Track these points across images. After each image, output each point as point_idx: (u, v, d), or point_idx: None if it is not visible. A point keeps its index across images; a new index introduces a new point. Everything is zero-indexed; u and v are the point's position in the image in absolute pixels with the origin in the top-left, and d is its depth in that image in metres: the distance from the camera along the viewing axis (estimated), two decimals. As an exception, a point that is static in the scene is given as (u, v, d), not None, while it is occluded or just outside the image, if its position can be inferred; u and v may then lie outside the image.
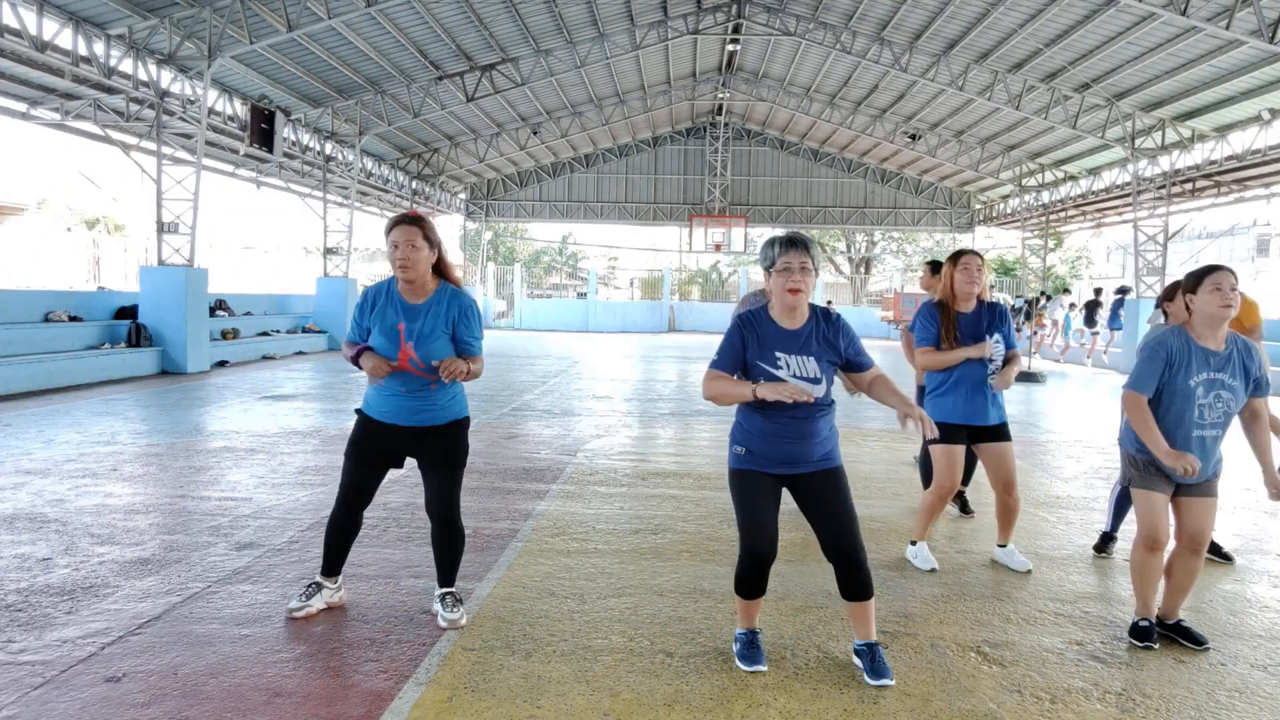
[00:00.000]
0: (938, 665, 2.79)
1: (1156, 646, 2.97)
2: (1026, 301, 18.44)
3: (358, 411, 3.04)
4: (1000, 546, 3.96)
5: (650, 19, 17.14)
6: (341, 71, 15.24)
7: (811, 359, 2.57)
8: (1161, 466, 2.92)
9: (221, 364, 12.80)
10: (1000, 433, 3.78)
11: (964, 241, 29.29)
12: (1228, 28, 11.04)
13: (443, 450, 2.98)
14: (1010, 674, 2.75)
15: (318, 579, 3.12)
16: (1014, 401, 10.67)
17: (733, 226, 26.69)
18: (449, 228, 28.52)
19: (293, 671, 2.61)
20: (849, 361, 2.65)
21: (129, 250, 17.38)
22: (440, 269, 2.96)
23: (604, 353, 17.79)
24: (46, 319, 10.81)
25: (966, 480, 4.94)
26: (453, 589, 3.08)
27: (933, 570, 3.79)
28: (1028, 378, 13.39)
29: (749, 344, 2.60)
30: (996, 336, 3.75)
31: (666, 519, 4.55)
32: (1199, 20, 11.23)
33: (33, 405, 8.14)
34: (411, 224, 2.84)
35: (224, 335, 13.79)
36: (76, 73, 10.80)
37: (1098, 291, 19.35)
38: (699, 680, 2.63)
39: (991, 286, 4.61)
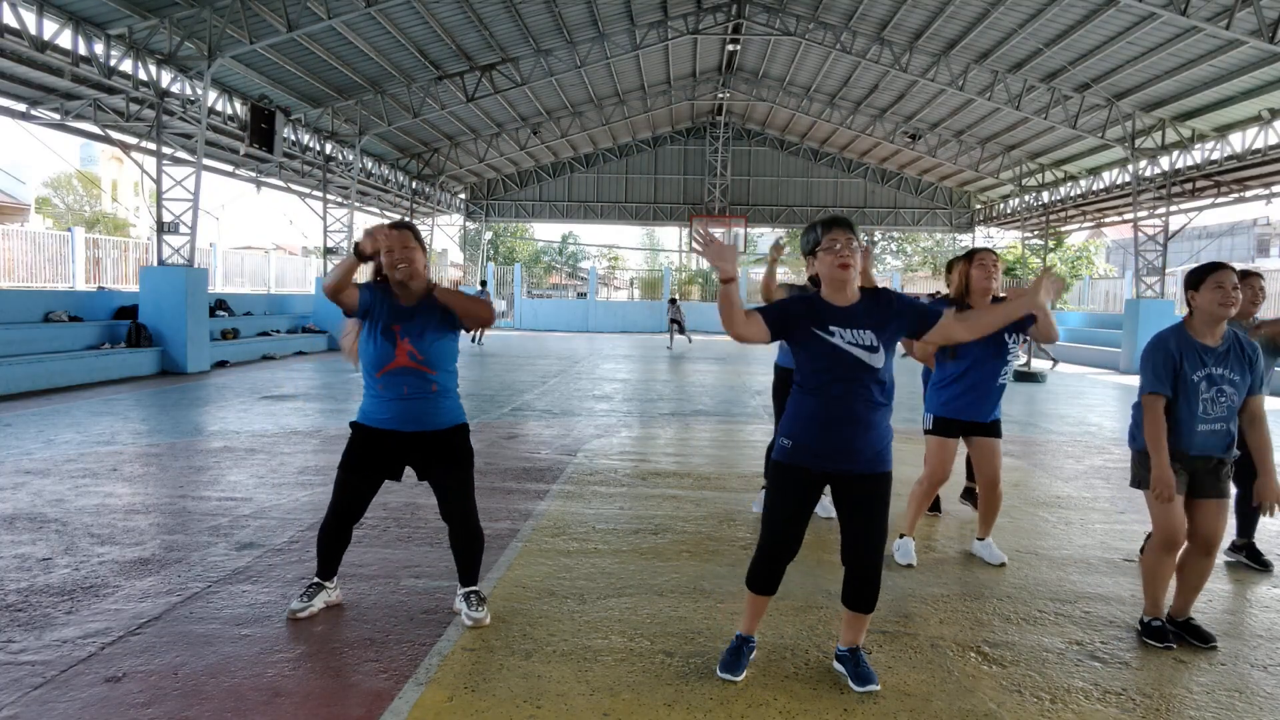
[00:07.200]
0: (938, 665, 2.79)
1: (1175, 646, 2.96)
2: None
3: (353, 424, 3.02)
4: (979, 540, 4.00)
5: (650, 19, 17.13)
6: (341, 71, 15.24)
7: (868, 331, 2.48)
8: (1169, 467, 2.89)
9: (221, 364, 12.80)
10: (993, 429, 3.80)
11: (964, 241, 29.31)
12: (1228, 28, 11.03)
13: (451, 453, 2.99)
14: (1010, 674, 2.75)
15: (316, 579, 3.12)
16: (1014, 401, 10.67)
17: (733, 226, 26.68)
18: (449, 228, 28.53)
19: (293, 671, 2.61)
20: (915, 321, 2.54)
21: (128, 250, 17.34)
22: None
23: (604, 353, 17.77)
24: (46, 319, 10.81)
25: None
26: (476, 588, 3.09)
27: (909, 565, 3.81)
28: (1028, 377, 13.39)
29: (802, 310, 2.51)
30: (1017, 336, 3.70)
31: (666, 519, 4.55)
32: (1199, 20, 11.23)
33: (33, 405, 8.14)
34: (405, 229, 2.90)
35: (224, 335, 13.81)
36: (76, 73, 10.79)
37: None
38: (699, 680, 2.63)
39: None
